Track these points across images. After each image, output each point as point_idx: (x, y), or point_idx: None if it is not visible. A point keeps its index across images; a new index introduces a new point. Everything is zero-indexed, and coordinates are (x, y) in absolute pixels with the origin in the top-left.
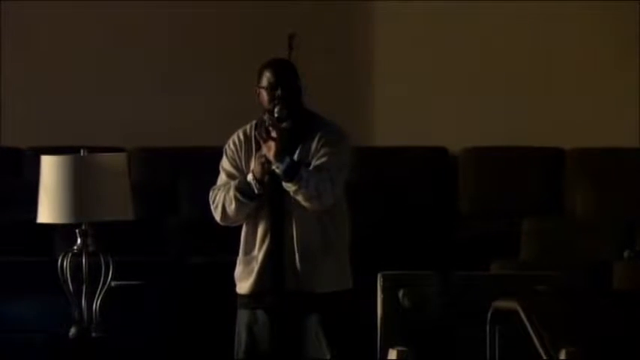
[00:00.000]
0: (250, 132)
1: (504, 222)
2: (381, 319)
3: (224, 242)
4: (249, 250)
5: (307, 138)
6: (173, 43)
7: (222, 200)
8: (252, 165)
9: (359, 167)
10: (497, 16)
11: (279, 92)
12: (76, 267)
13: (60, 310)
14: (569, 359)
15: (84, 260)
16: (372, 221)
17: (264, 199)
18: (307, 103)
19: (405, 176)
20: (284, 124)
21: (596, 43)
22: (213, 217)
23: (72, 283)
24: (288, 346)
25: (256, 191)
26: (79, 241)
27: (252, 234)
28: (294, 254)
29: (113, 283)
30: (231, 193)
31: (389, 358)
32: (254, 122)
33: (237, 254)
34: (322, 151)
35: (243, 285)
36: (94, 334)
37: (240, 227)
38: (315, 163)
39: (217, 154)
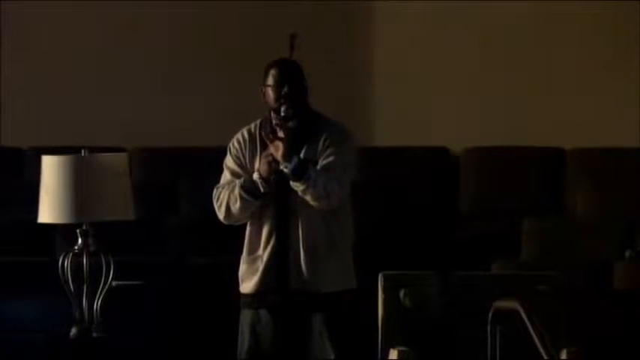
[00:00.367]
0: (255, 131)
1: (505, 222)
2: (382, 319)
3: (225, 242)
4: (253, 250)
5: (313, 138)
6: (173, 43)
7: (226, 199)
8: (258, 164)
9: (360, 167)
10: (497, 16)
11: (285, 90)
12: (76, 267)
13: (61, 310)
14: (569, 359)
15: (85, 260)
16: (373, 221)
17: (270, 199)
18: (312, 103)
19: (406, 176)
20: (290, 124)
21: (596, 43)
22: (213, 217)
23: (73, 283)
24: (292, 345)
25: (262, 190)
26: (79, 241)
27: (257, 233)
28: (299, 254)
29: (114, 283)
30: (236, 191)
31: (390, 358)
32: (259, 121)
33: (238, 254)
34: (328, 151)
35: (247, 284)
36: (94, 334)
37: (242, 227)
38: (321, 163)
39: (218, 153)
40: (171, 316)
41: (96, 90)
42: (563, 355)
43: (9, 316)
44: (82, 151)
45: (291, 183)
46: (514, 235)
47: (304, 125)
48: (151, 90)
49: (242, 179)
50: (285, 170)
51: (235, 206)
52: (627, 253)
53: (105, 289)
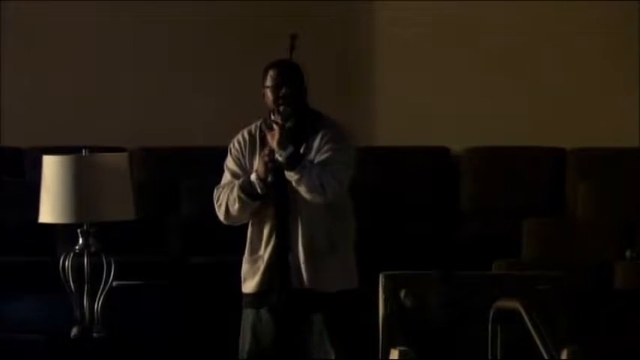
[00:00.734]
0: (255, 132)
1: (505, 222)
2: (383, 319)
3: (225, 242)
4: (254, 250)
5: (312, 136)
6: (174, 43)
7: (225, 199)
8: (256, 164)
9: (360, 167)
10: (498, 16)
11: (283, 91)
12: (77, 267)
13: (62, 310)
14: (570, 359)
15: (85, 260)
16: (374, 221)
17: (270, 199)
18: (311, 102)
19: (407, 176)
20: (288, 123)
21: (597, 43)
22: (214, 217)
23: (74, 282)
24: (292, 345)
25: (259, 191)
26: (80, 241)
27: (258, 233)
28: (300, 254)
29: (115, 283)
30: (235, 192)
31: (390, 358)
32: (259, 122)
33: (239, 253)
34: (325, 147)
35: (249, 284)
36: (95, 334)
37: (242, 227)
38: (318, 158)
39: (219, 153)
40: (172, 315)
41: (97, 90)
42: (564, 354)
43: (10, 316)
44: (83, 151)
45: (286, 173)
46: (515, 235)
47: (303, 124)
48: (152, 90)
49: (240, 180)
50: (280, 158)
51: (234, 207)
52: (627, 253)
53: (106, 289)
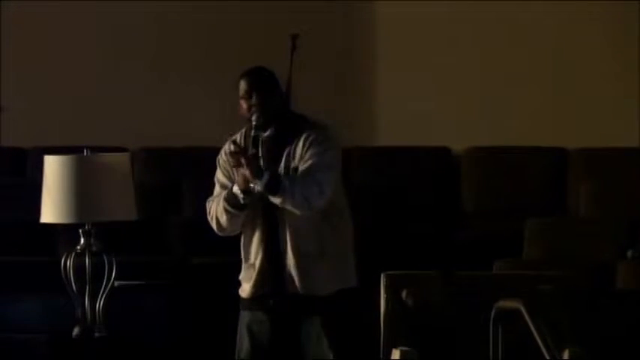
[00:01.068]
0: (240, 140)
1: (507, 222)
2: (384, 318)
3: (227, 242)
4: (247, 258)
5: (293, 141)
6: (176, 43)
7: (215, 211)
8: (236, 176)
9: (362, 167)
10: (499, 17)
11: (253, 100)
12: (79, 267)
13: (63, 310)
14: (572, 359)
15: (87, 260)
16: (375, 221)
17: (258, 208)
18: (295, 106)
19: (408, 176)
20: (268, 132)
21: (597, 43)
22: None
23: (75, 282)
24: (290, 347)
25: (242, 202)
26: (82, 240)
27: (249, 242)
28: (290, 261)
29: (116, 283)
30: (221, 204)
31: (392, 358)
32: (244, 130)
33: (239, 255)
34: (308, 154)
35: (245, 288)
36: (97, 334)
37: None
38: (301, 167)
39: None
40: (174, 315)
41: (98, 90)
42: (566, 355)
43: (11, 316)
44: (85, 151)
45: (270, 197)
46: (516, 234)
47: (283, 131)
48: (154, 90)
49: (225, 192)
50: (258, 188)
51: (223, 219)
52: (629, 253)
53: (107, 289)
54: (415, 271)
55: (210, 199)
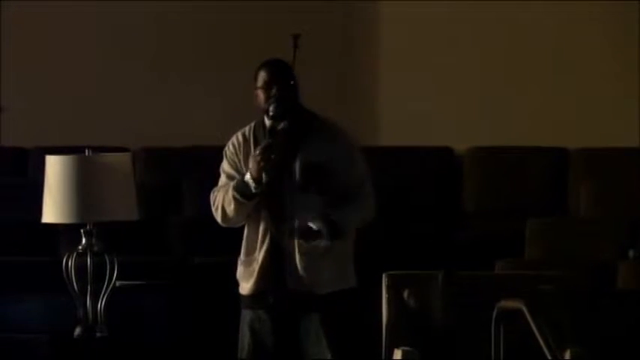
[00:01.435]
0: (249, 133)
1: (508, 222)
2: (386, 319)
3: (228, 242)
4: (250, 252)
5: (309, 138)
6: (176, 43)
7: (221, 201)
8: (250, 164)
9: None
10: (499, 17)
11: (274, 91)
12: (80, 267)
13: (64, 310)
14: (573, 359)
15: (88, 260)
16: (377, 221)
17: (264, 200)
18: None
19: (410, 176)
20: (281, 125)
21: (597, 43)
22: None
23: (76, 282)
24: (290, 345)
25: (253, 190)
26: (83, 240)
27: (253, 235)
28: (295, 256)
29: (117, 283)
30: (230, 193)
31: (394, 358)
32: (253, 124)
33: (240, 254)
34: (352, 164)
35: (245, 286)
36: (98, 334)
37: (244, 227)
38: (350, 181)
39: (221, 153)
40: (175, 315)
41: (99, 90)
42: (567, 355)
43: (13, 317)
44: (86, 151)
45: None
46: (518, 234)
47: (297, 125)
48: (155, 90)
49: (235, 181)
50: (323, 244)
51: (230, 208)
52: (630, 253)
53: (108, 289)
54: (416, 271)
55: (216, 189)
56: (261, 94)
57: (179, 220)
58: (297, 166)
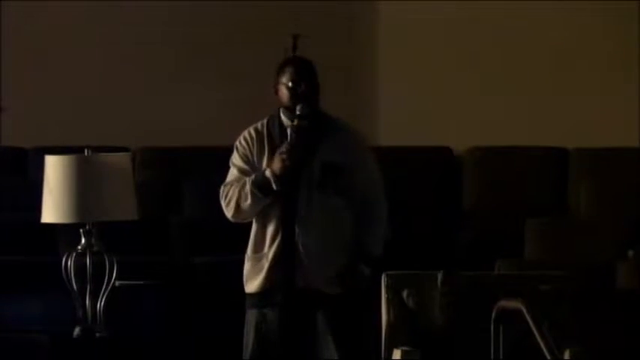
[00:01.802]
0: (262, 129)
1: (508, 222)
2: (386, 319)
3: (228, 242)
4: (259, 248)
5: (325, 138)
6: (177, 42)
7: (236, 195)
8: (269, 161)
9: None
10: (500, 17)
11: (302, 88)
12: (80, 267)
13: (64, 310)
14: (573, 359)
15: (88, 260)
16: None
17: (277, 197)
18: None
19: (410, 176)
20: (304, 122)
21: (597, 43)
22: (217, 217)
23: (76, 282)
24: (296, 344)
25: (274, 187)
26: (83, 240)
27: (263, 232)
28: (305, 253)
29: (117, 283)
30: (247, 188)
31: (394, 358)
32: (266, 119)
33: (241, 254)
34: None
35: (252, 283)
36: (97, 334)
37: (245, 227)
38: (363, 180)
39: (221, 153)
40: (175, 315)
41: (99, 89)
42: (567, 355)
43: (12, 316)
44: (86, 151)
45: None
46: (517, 234)
47: (316, 125)
48: (155, 89)
49: (253, 175)
50: (367, 272)
51: (246, 203)
52: (630, 253)
53: (108, 289)
54: (416, 270)
55: (227, 183)
56: (284, 90)
57: (179, 220)
58: (317, 165)
